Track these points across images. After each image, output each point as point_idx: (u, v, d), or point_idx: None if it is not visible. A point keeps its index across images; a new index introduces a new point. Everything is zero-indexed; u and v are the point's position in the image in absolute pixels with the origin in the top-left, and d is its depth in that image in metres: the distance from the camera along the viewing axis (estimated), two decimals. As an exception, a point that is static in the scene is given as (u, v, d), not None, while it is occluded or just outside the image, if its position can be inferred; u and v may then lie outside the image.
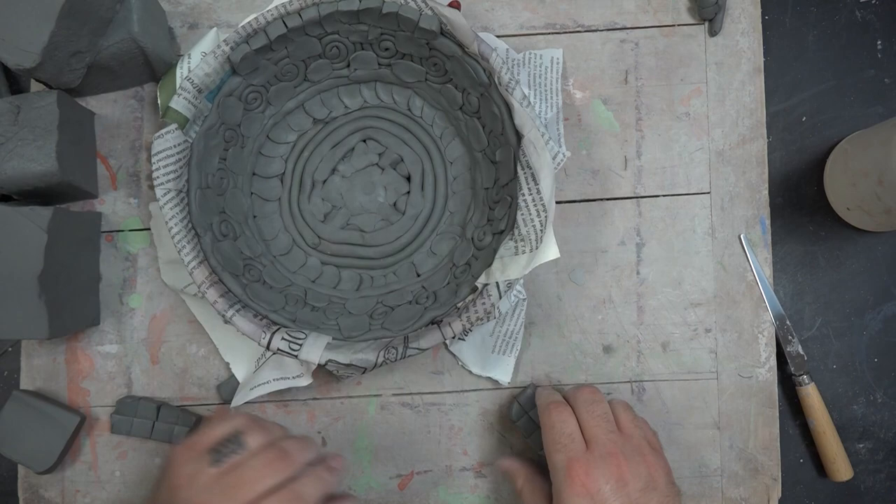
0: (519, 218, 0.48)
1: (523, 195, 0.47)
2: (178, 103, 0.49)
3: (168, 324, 0.56)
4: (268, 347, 0.47)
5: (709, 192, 0.56)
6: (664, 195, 0.57)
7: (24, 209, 0.49)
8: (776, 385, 0.56)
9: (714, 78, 0.57)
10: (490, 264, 0.48)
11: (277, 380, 0.52)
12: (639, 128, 0.57)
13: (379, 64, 0.54)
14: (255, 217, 0.55)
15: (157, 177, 0.48)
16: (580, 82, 0.57)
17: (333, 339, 0.48)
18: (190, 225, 0.49)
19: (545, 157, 0.47)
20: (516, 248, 0.48)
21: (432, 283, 0.53)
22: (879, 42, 0.58)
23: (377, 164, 0.56)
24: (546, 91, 0.56)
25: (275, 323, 0.49)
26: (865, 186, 0.52)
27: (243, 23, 0.50)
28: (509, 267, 0.47)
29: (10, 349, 0.58)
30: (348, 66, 0.54)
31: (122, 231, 0.57)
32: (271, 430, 0.45)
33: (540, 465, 0.50)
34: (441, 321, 0.48)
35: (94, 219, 0.56)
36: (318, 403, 0.56)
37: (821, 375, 0.57)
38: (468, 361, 0.55)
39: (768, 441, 0.55)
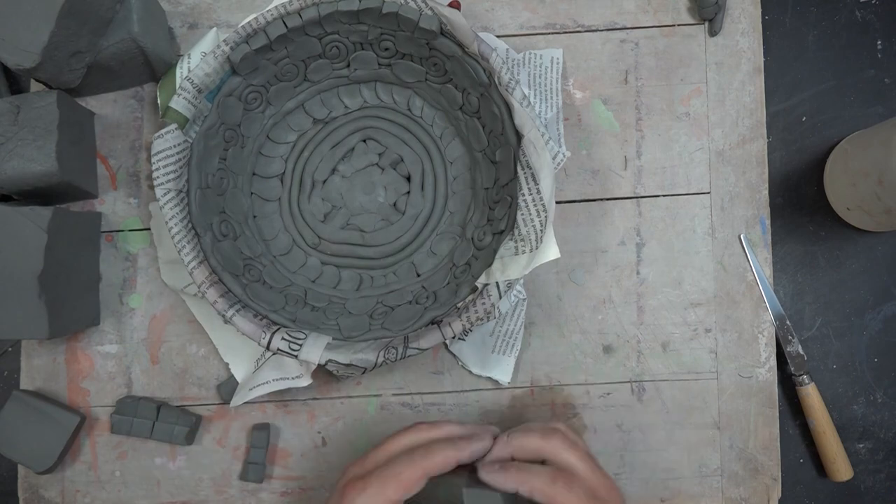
0: (519, 218, 0.48)
1: (523, 195, 0.47)
2: (178, 103, 0.49)
3: (168, 324, 0.56)
4: (268, 347, 0.47)
5: (709, 192, 0.56)
6: (664, 195, 0.57)
7: (24, 209, 0.49)
8: (776, 385, 0.56)
9: (714, 78, 0.57)
10: (490, 264, 0.48)
11: (277, 380, 0.52)
12: (639, 128, 0.57)
13: (379, 64, 0.54)
14: (255, 217, 0.55)
15: (157, 177, 0.48)
16: (580, 82, 0.57)
17: (333, 339, 0.48)
18: (190, 225, 0.49)
19: (545, 157, 0.47)
20: (516, 248, 0.48)
21: (432, 283, 0.53)
22: (879, 42, 0.58)
23: (377, 164, 0.56)
24: (546, 91, 0.56)
25: (275, 323, 0.49)
26: (865, 186, 0.52)
27: (243, 23, 0.50)
28: (509, 267, 0.47)
29: (10, 349, 0.58)
30: (348, 66, 0.54)
31: (122, 231, 0.57)
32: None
33: None
34: (441, 321, 0.48)
35: (94, 219, 0.56)
36: (318, 403, 0.56)
37: (821, 375, 0.57)
38: (468, 361, 0.55)
39: (768, 441, 0.55)
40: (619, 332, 0.56)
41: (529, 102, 0.48)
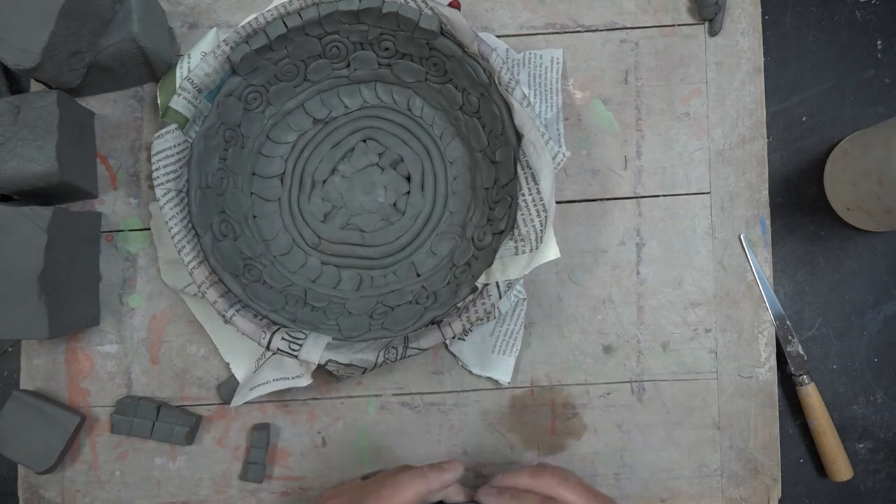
0: (519, 218, 0.48)
1: (523, 195, 0.47)
2: (178, 103, 0.49)
3: (168, 324, 0.56)
4: (268, 347, 0.47)
5: (709, 192, 0.56)
6: (664, 195, 0.57)
7: (24, 209, 0.49)
8: (776, 385, 0.56)
9: (714, 78, 0.57)
10: (490, 264, 0.48)
11: (277, 380, 0.52)
12: (639, 128, 0.57)
13: (379, 64, 0.54)
14: (255, 217, 0.55)
15: (157, 177, 0.48)
16: (580, 82, 0.57)
17: (333, 339, 0.48)
18: (190, 225, 0.49)
19: (545, 157, 0.47)
20: (516, 248, 0.48)
21: (432, 283, 0.53)
22: (879, 42, 0.58)
23: (377, 164, 0.56)
24: (546, 91, 0.56)
25: (275, 323, 0.49)
26: (865, 186, 0.52)
27: (243, 23, 0.50)
28: (509, 267, 0.47)
29: (10, 349, 0.58)
30: (348, 66, 0.54)
31: (122, 231, 0.57)
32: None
33: None
34: (441, 321, 0.48)
35: (94, 219, 0.56)
36: (318, 403, 0.56)
37: (821, 375, 0.57)
38: (468, 361, 0.55)
39: (768, 441, 0.55)
40: (619, 332, 0.56)
41: (529, 102, 0.48)
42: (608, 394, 0.56)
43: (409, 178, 0.55)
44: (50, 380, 0.56)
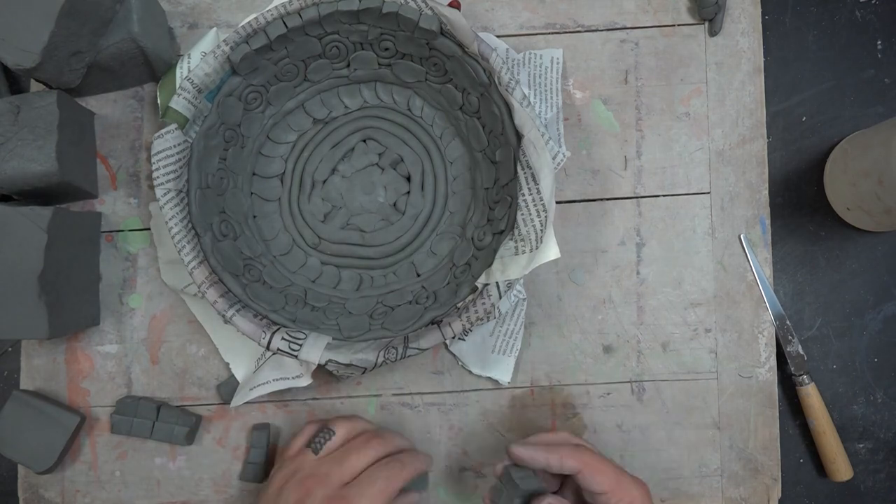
0: (519, 218, 0.48)
1: (523, 195, 0.47)
2: (178, 103, 0.49)
3: (168, 324, 0.56)
4: (268, 347, 0.47)
5: (709, 192, 0.56)
6: (664, 195, 0.57)
7: (24, 209, 0.49)
8: (776, 385, 0.56)
9: (714, 78, 0.57)
10: (490, 264, 0.48)
11: (277, 380, 0.52)
12: (639, 128, 0.57)
13: (379, 64, 0.54)
14: (255, 217, 0.55)
15: (157, 177, 0.48)
16: (580, 82, 0.57)
17: (333, 339, 0.48)
18: (190, 225, 0.49)
19: (545, 157, 0.47)
20: (516, 248, 0.48)
21: (432, 283, 0.53)
22: (879, 42, 0.58)
23: (377, 164, 0.56)
24: (546, 91, 0.56)
25: (275, 323, 0.49)
26: (865, 186, 0.52)
27: (243, 23, 0.50)
28: (509, 267, 0.47)
29: (10, 349, 0.58)
30: (348, 66, 0.54)
31: (122, 231, 0.57)
32: (357, 420, 0.49)
33: None
34: (441, 321, 0.48)
35: (94, 219, 0.56)
36: (318, 403, 0.56)
37: (821, 375, 0.57)
38: (468, 361, 0.55)
39: (768, 441, 0.55)
40: (619, 332, 0.56)
41: (529, 102, 0.48)
42: (608, 394, 0.56)
43: (409, 178, 0.55)
44: (50, 380, 0.56)
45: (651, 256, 0.56)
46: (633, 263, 0.56)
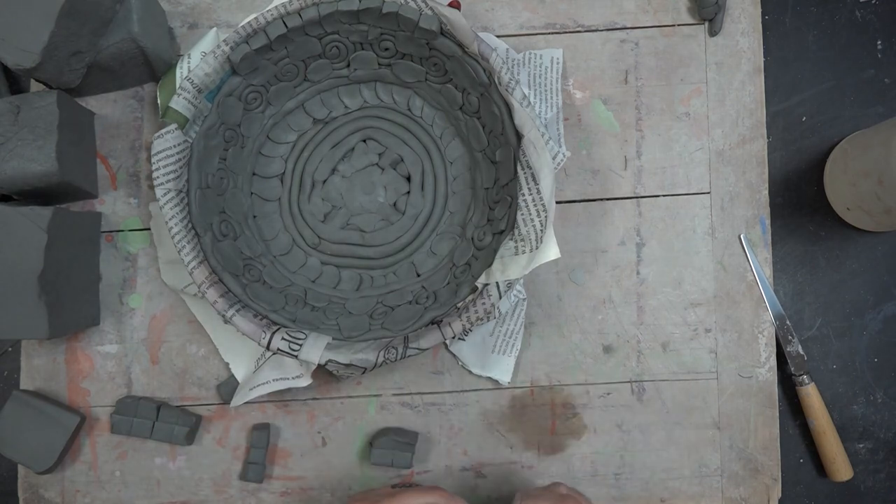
0: (519, 218, 0.48)
1: (523, 195, 0.47)
2: (178, 103, 0.49)
3: (168, 324, 0.56)
4: (268, 347, 0.47)
5: (709, 192, 0.56)
6: (664, 195, 0.57)
7: (24, 209, 0.49)
8: (776, 385, 0.56)
9: (714, 78, 0.57)
10: (490, 264, 0.48)
11: (277, 380, 0.52)
12: (639, 128, 0.57)
13: (379, 64, 0.54)
14: (255, 217, 0.55)
15: (157, 177, 0.48)
16: (580, 82, 0.57)
17: (333, 339, 0.48)
18: (190, 225, 0.49)
19: (545, 157, 0.47)
20: (516, 248, 0.48)
21: (432, 283, 0.53)
22: (879, 42, 0.58)
23: (377, 164, 0.56)
24: (546, 91, 0.56)
25: (275, 323, 0.49)
26: (865, 186, 0.52)
27: (243, 23, 0.50)
28: (509, 267, 0.47)
29: (10, 349, 0.58)
30: (348, 66, 0.54)
31: (122, 231, 0.57)
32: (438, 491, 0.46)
33: None
34: (441, 321, 0.48)
35: (94, 219, 0.56)
36: (318, 403, 0.56)
37: (821, 375, 0.57)
38: (468, 361, 0.55)
39: (768, 441, 0.55)
40: (619, 332, 0.56)
41: (529, 102, 0.48)
42: (608, 394, 0.56)
43: (409, 178, 0.55)
44: (50, 380, 0.56)
45: (651, 256, 0.56)
46: (633, 263, 0.56)
